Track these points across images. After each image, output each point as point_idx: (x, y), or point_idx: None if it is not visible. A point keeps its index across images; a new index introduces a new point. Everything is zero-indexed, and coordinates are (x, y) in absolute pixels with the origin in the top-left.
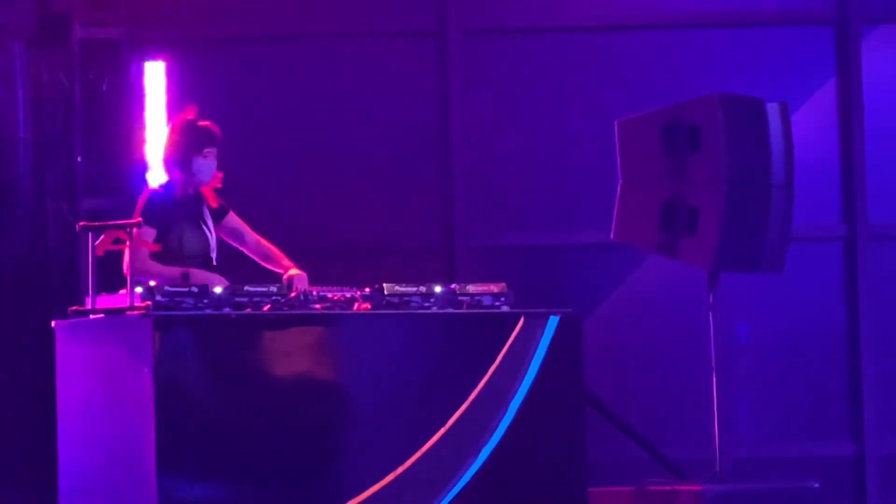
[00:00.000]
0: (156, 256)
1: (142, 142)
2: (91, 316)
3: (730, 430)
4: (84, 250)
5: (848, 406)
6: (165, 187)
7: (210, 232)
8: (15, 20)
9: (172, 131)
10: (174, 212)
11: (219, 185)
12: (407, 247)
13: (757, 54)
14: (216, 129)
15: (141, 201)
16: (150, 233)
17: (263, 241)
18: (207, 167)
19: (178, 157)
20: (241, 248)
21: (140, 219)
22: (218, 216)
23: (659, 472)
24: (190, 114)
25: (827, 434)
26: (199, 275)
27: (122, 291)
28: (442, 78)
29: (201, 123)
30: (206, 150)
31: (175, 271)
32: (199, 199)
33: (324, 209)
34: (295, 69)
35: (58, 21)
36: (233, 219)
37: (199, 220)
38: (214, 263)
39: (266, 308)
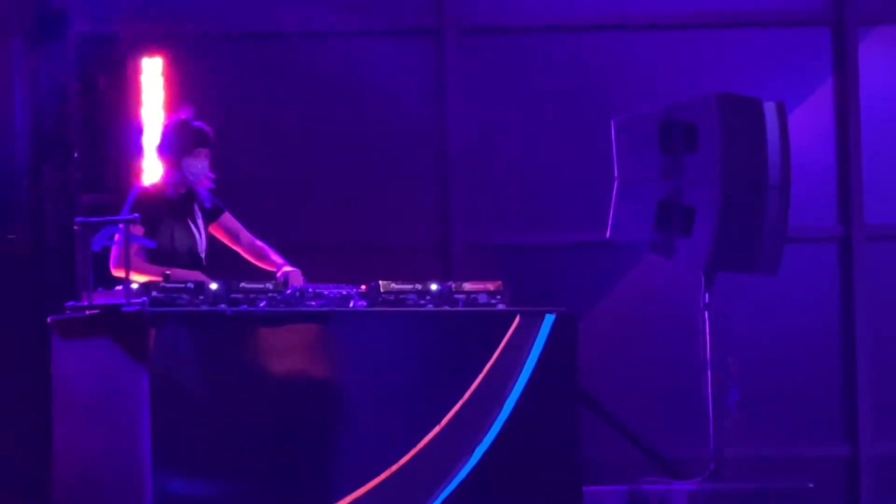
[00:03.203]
0: (144, 254)
1: (139, 137)
2: (87, 311)
3: (724, 430)
4: (81, 246)
5: (842, 407)
6: (156, 185)
7: (199, 231)
8: (13, 15)
9: (165, 130)
10: (163, 210)
11: (211, 186)
12: (403, 244)
13: (754, 55)
14: (209, 129)
15: (129, 198)
16: (136, 230)
17: (258, 242)
18: (197, 167)
19: (170, 156)
20: (236, 248)
21: (137, 215)
22: (212, 216)
23: (653, 471)
24: (184, 113)
25: (821, 435)
26: (178, 274)
27: (119, 287)
28: (439, 76)
29: (194, 124)
30: (197, 150)
31: (157, 270)
32: (190, 198)
33: (320, 206)
34: (293, 66)
35: (56, 16)
36: (227, 219)
37: (188, 219)
38: (203, 263)
39: (262, 305)
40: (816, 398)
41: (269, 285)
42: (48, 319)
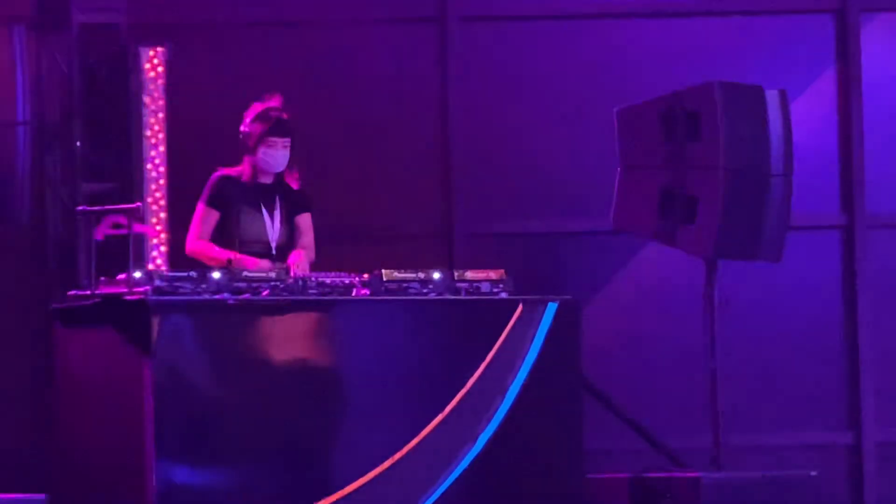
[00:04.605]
0: (215, 239)
1: (141, 126)
2: (90, 300)
3: (727, 418)
4: (83, 235)
5: (845, 394)
6: (237, 171)
7: (273, 221)
8: (15, 4)
9: (246, 116)
10: (237, 196)
11: (294, 174)
12: (406, 233)
13: (757, 42)
14: (287, 118)
15: (208, 183)
16: (213, 214)
17: (312, 248)
18: (272, 156)
19: (246, 144)
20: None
21: (139, 204)
22: (296, 210)
23: (657, 459)
24: (267, 101)
25: (824, 422)
26: (243, 261)
27: (121, 276)
28: (441, 64)
29: (272, 113)
30: (272, 139)
31: (224, 255)
32: (275, 188)
33: (322, 194)
34: (295, 55)
35: (58, 5)
36: (301, 219)
37: (263, 208)
38: (274, 252)
39: (264, 294)
40: (819, 385)
41: (272, 274)
42: (51, 308)
